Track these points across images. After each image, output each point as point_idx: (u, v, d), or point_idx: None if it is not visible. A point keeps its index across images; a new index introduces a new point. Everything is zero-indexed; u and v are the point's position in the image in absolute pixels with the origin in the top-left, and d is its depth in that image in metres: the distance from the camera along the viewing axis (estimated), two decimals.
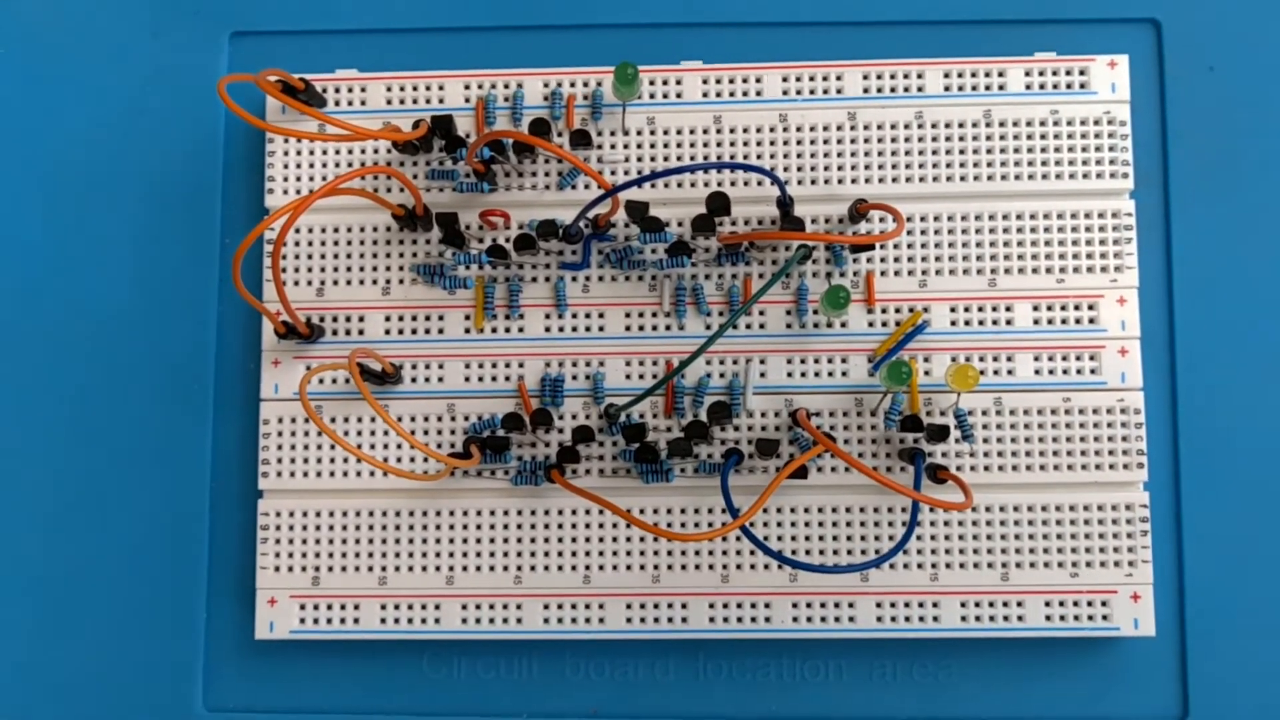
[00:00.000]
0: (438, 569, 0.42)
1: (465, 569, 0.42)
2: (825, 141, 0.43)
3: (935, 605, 0.42)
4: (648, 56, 0.44)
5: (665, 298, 0.43)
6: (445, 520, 0.42)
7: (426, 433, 0.43)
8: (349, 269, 0.43)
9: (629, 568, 0.42)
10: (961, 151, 0.43)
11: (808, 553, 0.42)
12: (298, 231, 0.43)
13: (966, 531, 0.42)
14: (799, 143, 0.43)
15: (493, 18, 0.45)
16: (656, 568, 0.42)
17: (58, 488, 0.44)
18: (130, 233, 0.45)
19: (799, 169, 0.43)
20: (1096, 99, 0.43)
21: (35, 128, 0.46)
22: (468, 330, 0.43)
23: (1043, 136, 0.43)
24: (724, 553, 0.42)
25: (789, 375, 0.42)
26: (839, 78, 0.43)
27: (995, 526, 0.42)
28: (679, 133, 0.43)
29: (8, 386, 0.45)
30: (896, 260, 0.43)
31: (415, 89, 0.44)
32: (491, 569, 0.42)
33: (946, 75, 0.43)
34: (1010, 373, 0.42)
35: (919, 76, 0.43)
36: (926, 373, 0.42)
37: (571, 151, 0.43)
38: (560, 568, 0.42)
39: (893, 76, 0.43)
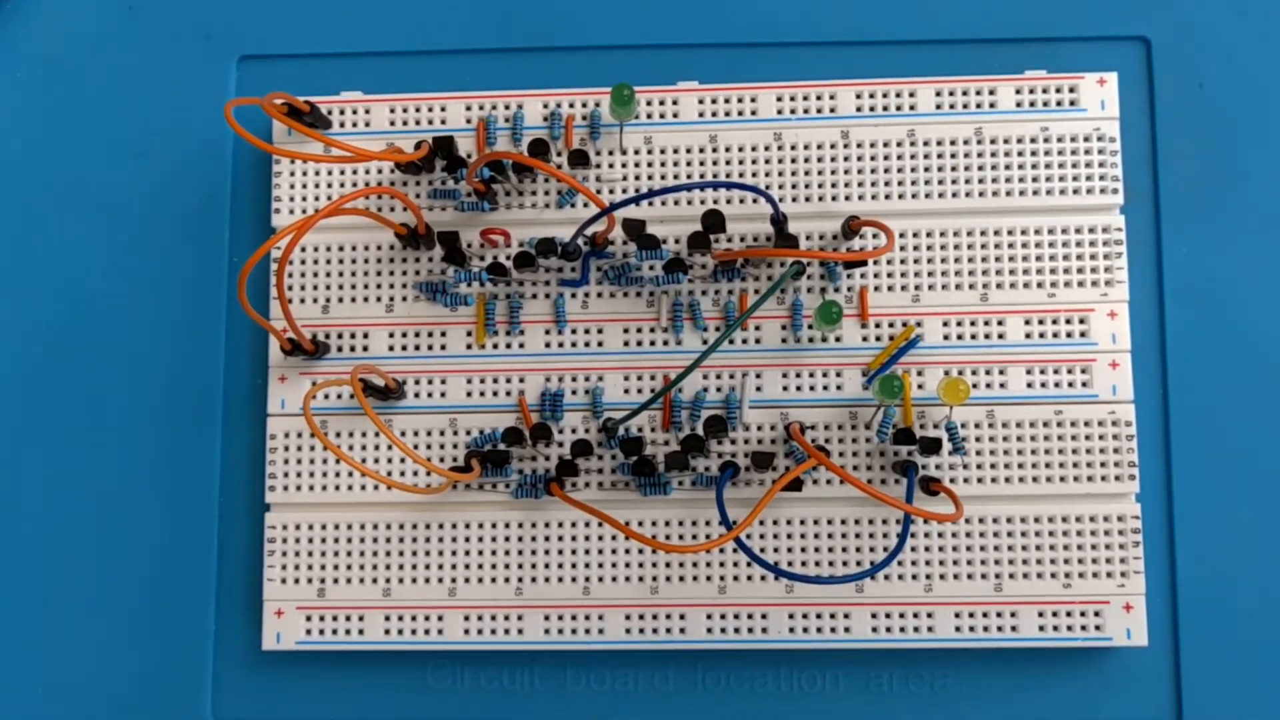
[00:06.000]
0: (440, 581, 0.43)
1: (467, 581, 0.43)
2: (819, 159, 0.44)
3: (930, 616, 0.42)
4: (645, 77, 0.44)
5: (663, 313, 0.43)
6: (447, 533, 0.43)
7: (429, 446, 0.44)
8: (353, 287, 0.44)
9: (628, 579, 0.43)
10: (953, 168, 0.43)
11: (803, 564, 0.42)
12: (303, 250, 0.44)
13: (960, 543, 0.42)
14: (793, 161, 0.44)
15: (494, 40, 0.46)
16: (655, 579, 0.43)
17: (71, 501, 0.45)
18: (141, 252, 0.46)
19: (793, 186, 0.44)
20: (1086, 116, 0.44)
21: (48, 150, 0.47)
22: (469, 346, 0.44)
23: (1033, 153, 0.43)
24: (721, 564, 0.43)
25: (784, 389, 0.43)
26: (832, 97, 0.44)
27: (989, 538, 0.42)
28: (675, 152, 0.44)
29: (21, 402, 0.46)
30: (890, 275, 0.43)
31: (418, 110, 0.45)
32: (493, 581, 0.43)
33: (938, 94, 0.44)
34: (1003, 386, 0.43)
35: (911, 95, 0.44)
36: (920, 386, 0.43)
37: (570, 170, 0.44)
38: (560, 579, 0.43)
39: (885, 95, 0.44)
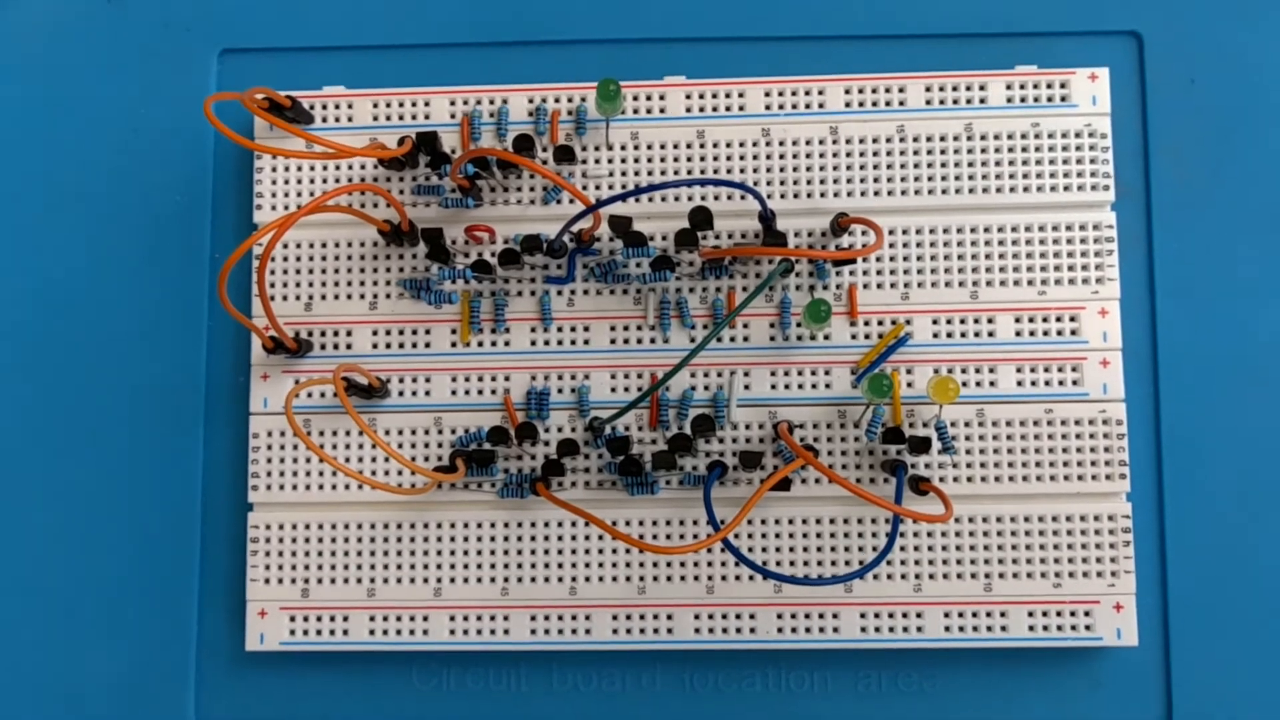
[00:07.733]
0: (425, 581, 0.43)
1: (453, 581, 0.43)
2: (808, 155, 0.43)
3: (919, 616, 0.42)
4: (632, 72, 0.44)
5: (650, 311, 0.43)
6: (433, 533, 0.43)
7: (414, 445, 0.43)
8: (336, 284, 0.44)
9: (615, 579, 0.42)
10: (943, 165, 0.43)
11: (792, 564, 0.42)
12: (285, 247, 0.44)
13: (950, 542, 0.42)
14: (781, 157, 0.43)
15: (478, 34, 0.46)
16: (642, 579, 0.42)
17: (51, 500, 0.45)
18: (121, 249, 0.45)
19: (781, 183, 0.43)
20: (1077, 112, 0.43)
21: (27, 145, 0.46)
22: (454, 344, 0.43)
23: (1024, 149, 0.43)
24: (709, 564, 0.42)
25: (772, 388, 0.43)
26: (821, 92, 0.44)
27: (978, 537, 0.42)
28: (662, 147, 0.43)
29: None
30: (879, 273, 0.43)
31: (401, 105, 0.44)
32: (479, 581, 0.43)
33: (928, 89, 0.43)
34: (992, 384, 0.42)
35: (900, 90, 0.43)
36: (909, 385, 0.42)
37: (556, 166, 0.43)
38: (546, 579, 0.42)
39: (874, 91, 0.43)
